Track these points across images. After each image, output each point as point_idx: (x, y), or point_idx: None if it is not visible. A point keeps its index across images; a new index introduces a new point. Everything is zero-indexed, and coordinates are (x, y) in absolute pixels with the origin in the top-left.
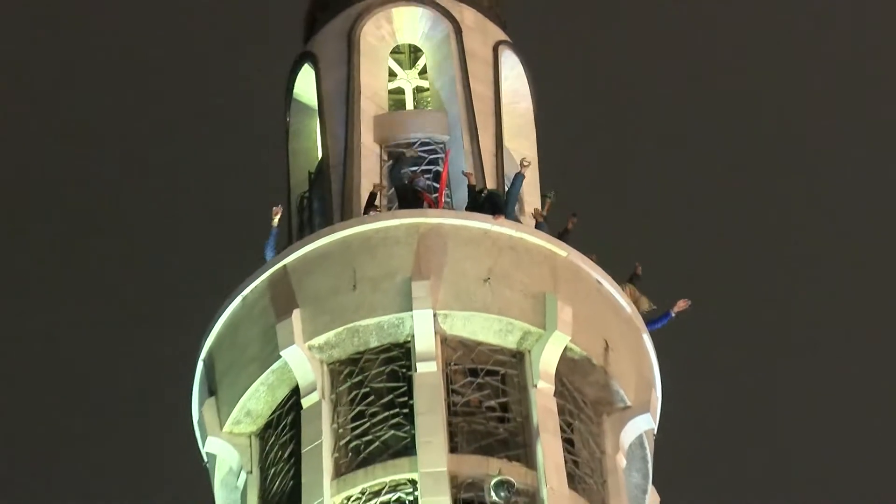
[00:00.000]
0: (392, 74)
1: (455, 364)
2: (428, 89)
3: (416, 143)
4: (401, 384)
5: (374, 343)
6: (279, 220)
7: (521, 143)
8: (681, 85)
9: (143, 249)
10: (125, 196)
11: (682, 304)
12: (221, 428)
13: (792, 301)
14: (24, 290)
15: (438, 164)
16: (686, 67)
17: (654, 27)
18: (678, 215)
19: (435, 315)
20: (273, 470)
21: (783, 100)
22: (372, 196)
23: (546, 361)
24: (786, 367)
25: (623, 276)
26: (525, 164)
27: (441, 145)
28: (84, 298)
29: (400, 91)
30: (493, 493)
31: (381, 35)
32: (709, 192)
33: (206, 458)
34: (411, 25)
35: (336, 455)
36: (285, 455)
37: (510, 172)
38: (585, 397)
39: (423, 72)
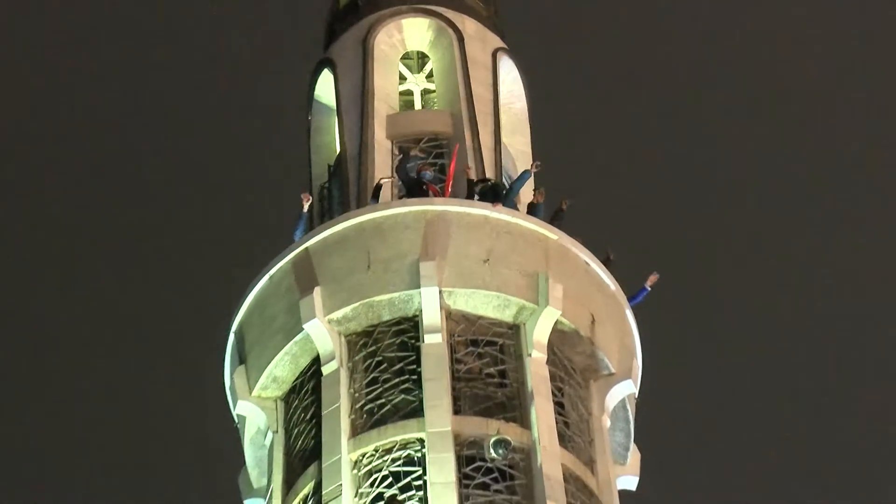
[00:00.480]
0: (402, 78)
1: (458, 336)
2: (434, 91)
3: (423, 139)
4: (410, 354)
5: (386, 317)
6: (308, 206)
7: (517, 139)
8: (681, 85)
9: (142, 250)
10: (125, 196)
11: (653, 278)
12: (250, 393)
13: (791, 301)
14: (25, 290)
15: (443, 158)
16: (686, 67)
17: (655, 27)
18: (677, 214)
19: (440, 292)
20: (296, 430)
21: (783, 100)
22: (378, 187)
23: (539, 333)
24: (784, 364)
25: (616, 270)
26: (537, 167)
27: (445, 141)
28: (84, 299)
29: (409, 93)
30: (492, 451)
31: (392, 43)
32: (709, 192)
33: (236, 420)
34: (419, 34)
35: (352, 417)
36: (307, 417)
37: (507, 165)
38: (574, 365)
39: (429, 75)
